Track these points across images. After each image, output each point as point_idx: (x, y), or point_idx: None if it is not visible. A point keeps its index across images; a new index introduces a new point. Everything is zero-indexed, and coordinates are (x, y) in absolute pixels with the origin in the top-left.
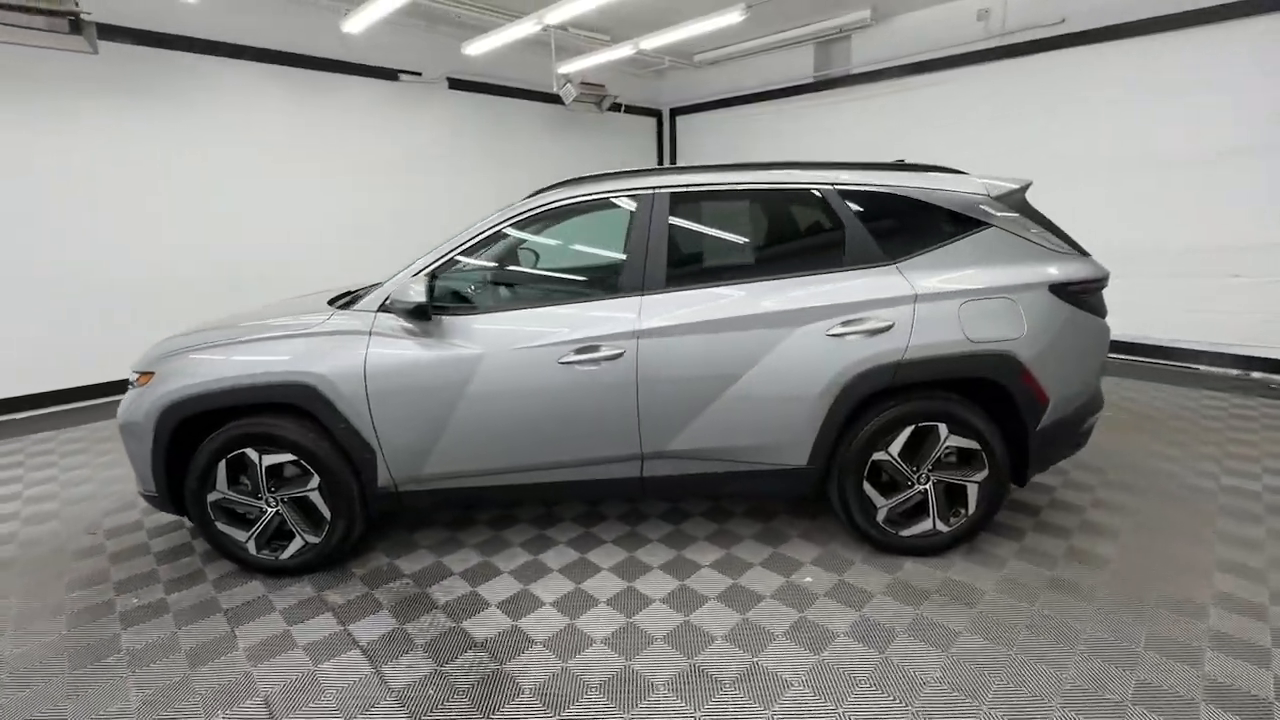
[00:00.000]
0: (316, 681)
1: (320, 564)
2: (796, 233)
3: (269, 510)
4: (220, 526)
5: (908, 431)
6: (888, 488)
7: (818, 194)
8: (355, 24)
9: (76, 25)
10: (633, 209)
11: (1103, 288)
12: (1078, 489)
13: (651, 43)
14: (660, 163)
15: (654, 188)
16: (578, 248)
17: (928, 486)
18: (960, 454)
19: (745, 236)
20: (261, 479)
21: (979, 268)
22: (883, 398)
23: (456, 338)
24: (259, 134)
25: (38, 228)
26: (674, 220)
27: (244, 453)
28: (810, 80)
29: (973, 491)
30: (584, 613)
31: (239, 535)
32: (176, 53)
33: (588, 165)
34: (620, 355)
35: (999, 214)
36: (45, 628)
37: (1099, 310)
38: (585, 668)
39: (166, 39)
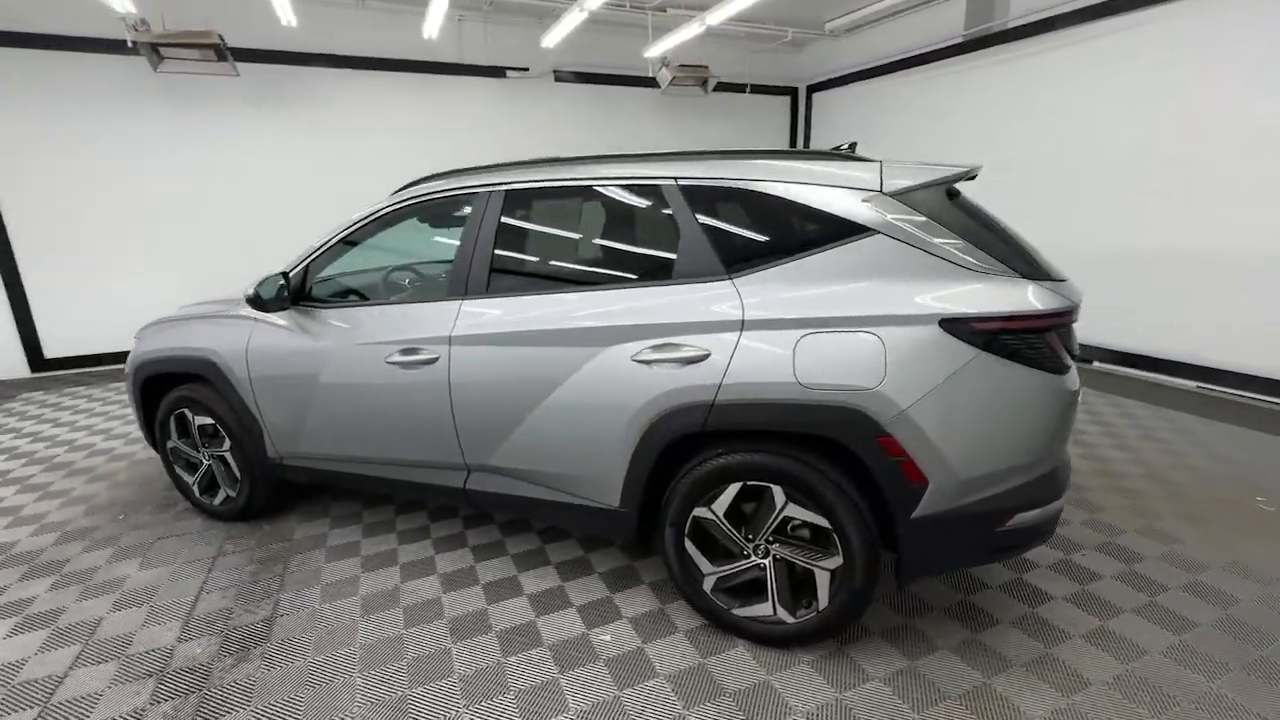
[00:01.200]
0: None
1: (240, 515)
2: (632, 237)
3: (205, 463)
4: (177, 469)
5: (733, 489)
6: (719, 552)
7: (658, 191)
8: (430, 26)
9: (221, 53)
10: (469, 208)
11: (1058, 326)
12: (1082, 583)
13: (716, 16)
14: (793, 145)
15: (492, 185)
16: (432, 245)
17: (765, 562)
18: (813, 530)
19: (577, 240)
20: (195, 435)
21: (840, 287)
22: (706, 442)
23: (315, 330)
24: (385, 135)
25: (249, 214)
26: (506, 220)
27: (183, 412)
28: (960, 39)
29: (822, 580)
30: (344, 601)
31: (188, 478)
32: (314, 69)
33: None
34: (435, 360)
35: (889, 216)
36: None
37: (1049, 360)
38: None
39: (304, 57)
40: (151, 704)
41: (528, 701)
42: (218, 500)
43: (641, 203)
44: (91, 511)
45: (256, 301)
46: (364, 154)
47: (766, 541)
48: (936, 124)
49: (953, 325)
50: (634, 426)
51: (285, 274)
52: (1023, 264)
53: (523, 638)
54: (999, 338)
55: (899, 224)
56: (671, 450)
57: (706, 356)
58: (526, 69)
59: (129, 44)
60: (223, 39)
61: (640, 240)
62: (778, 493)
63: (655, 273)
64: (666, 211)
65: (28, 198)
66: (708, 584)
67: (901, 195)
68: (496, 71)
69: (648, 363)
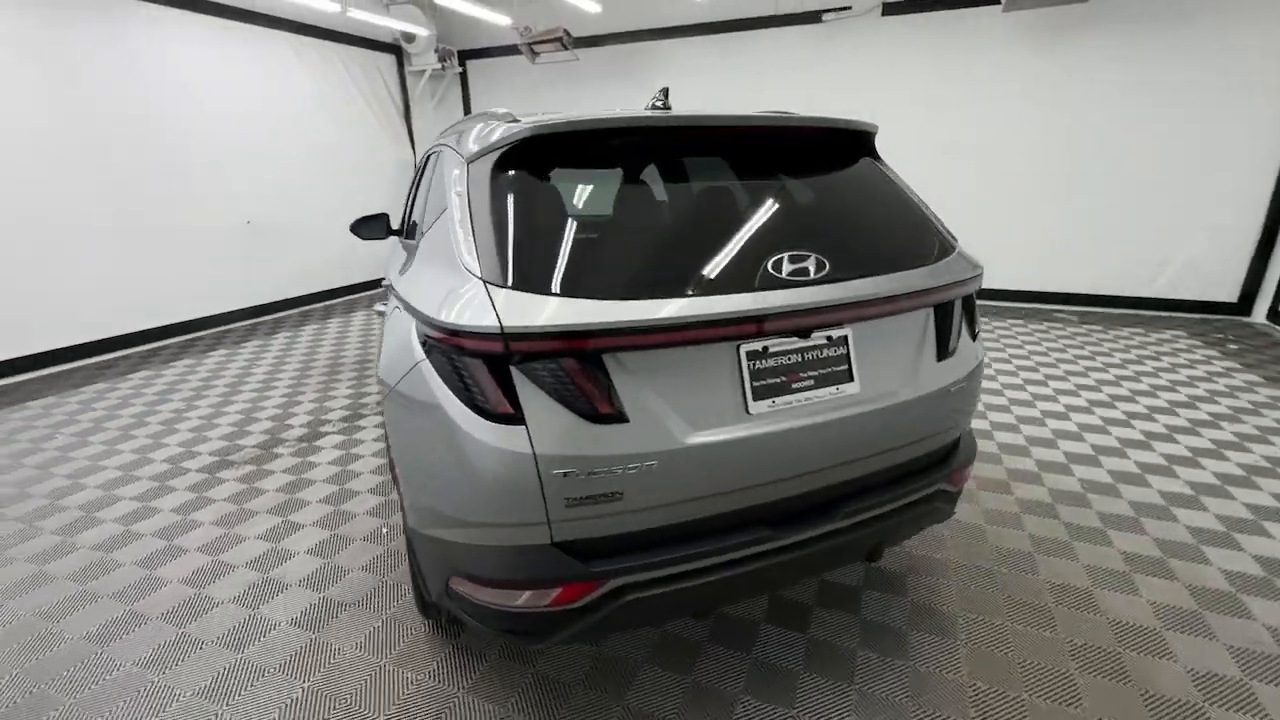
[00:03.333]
0: None
1: None
2: None
3: None
4: None
5: None
6: None
7: None
8: None
9: (564, 44)
10: None
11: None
12: None
13: None
14: None
15: None
16: None
17: None
18: None
19: None
20: None
21: (426, 269)
22: None
23: None
24: (702, 97)
25: None
26: None
27: None
28: None
29: None
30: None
31: None
32: (639, 44)
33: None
34: None
35: (454, 191)
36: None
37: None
38: None
39: (630, 34)
40: None
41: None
42: None
43: None
44: None
45: None
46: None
47: None
48: None
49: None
50: None
51: None
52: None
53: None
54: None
55: (453, 200)
56: None
57: None
58: (848, 7)
59: (519, 46)
60: (567, 32)
61: None
62: None
63: None
64: None
65: None
66: None
67: (472, 163)
68: (811, 17)
69: None
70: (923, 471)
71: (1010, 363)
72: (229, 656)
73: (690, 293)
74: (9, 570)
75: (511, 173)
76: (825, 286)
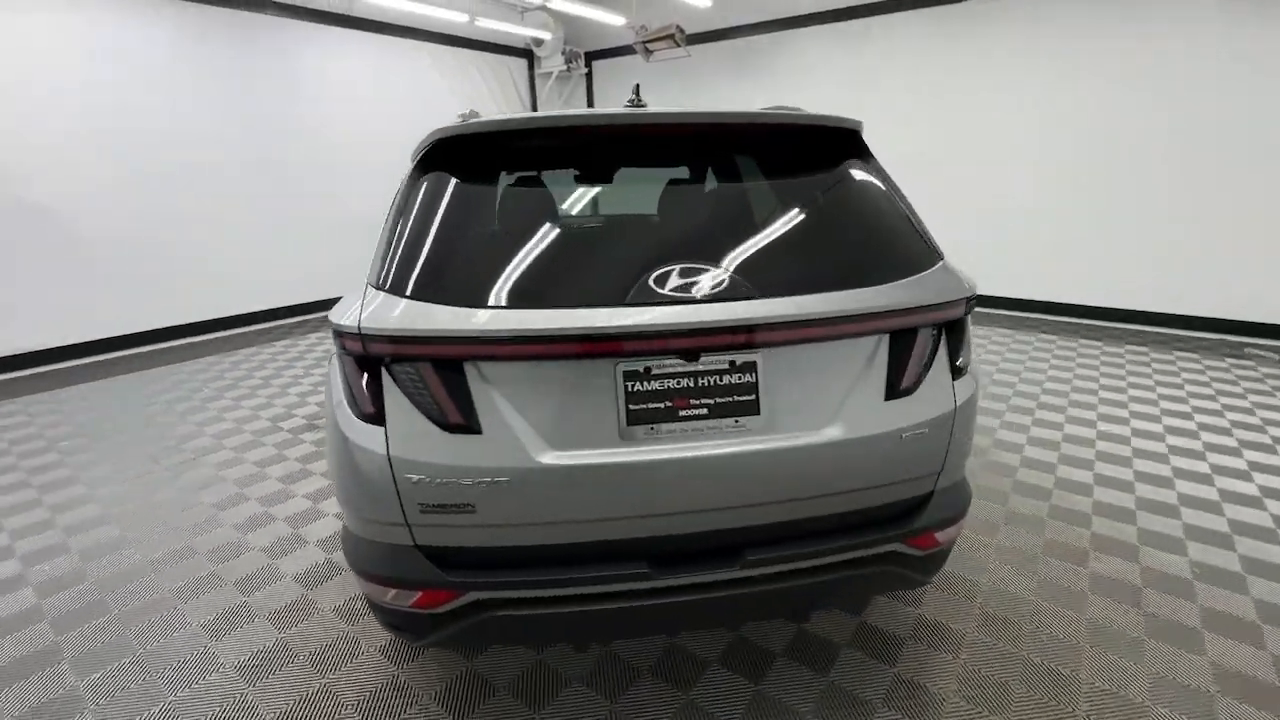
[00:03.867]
0: None
1: None
2: None
3: None
4: None
5: None
6: None
7: None
8: None
9: (677, 40)
10: None
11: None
12: None
13: None
14: None
15: None
16: None
17: None
18: None
19: None
20: None
21: None
22: None
23: None
24: (820, 88)
25: None
26: None
27: None
28: None
29: None
30: None
31: None
32: (753, 37)
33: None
34: None
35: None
36: None
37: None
38: None
39: (745, 28)
40: None
41: None
42: None
43: None
44: None
45: None
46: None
47: None
48: None
49: None
50: None
51: None
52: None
53: None
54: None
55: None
56: None
57: None
58: None
59: (633, 46)
60: (680, 29)
61: None
62: None
63: None
64: None
65: None
66: None
67: (411, 168)
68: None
69: None
70: (866, 527)
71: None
72: (237, 599)
73: (559, 304)
74: (131, 488)
75: (423, 177)
76: (719, 305)
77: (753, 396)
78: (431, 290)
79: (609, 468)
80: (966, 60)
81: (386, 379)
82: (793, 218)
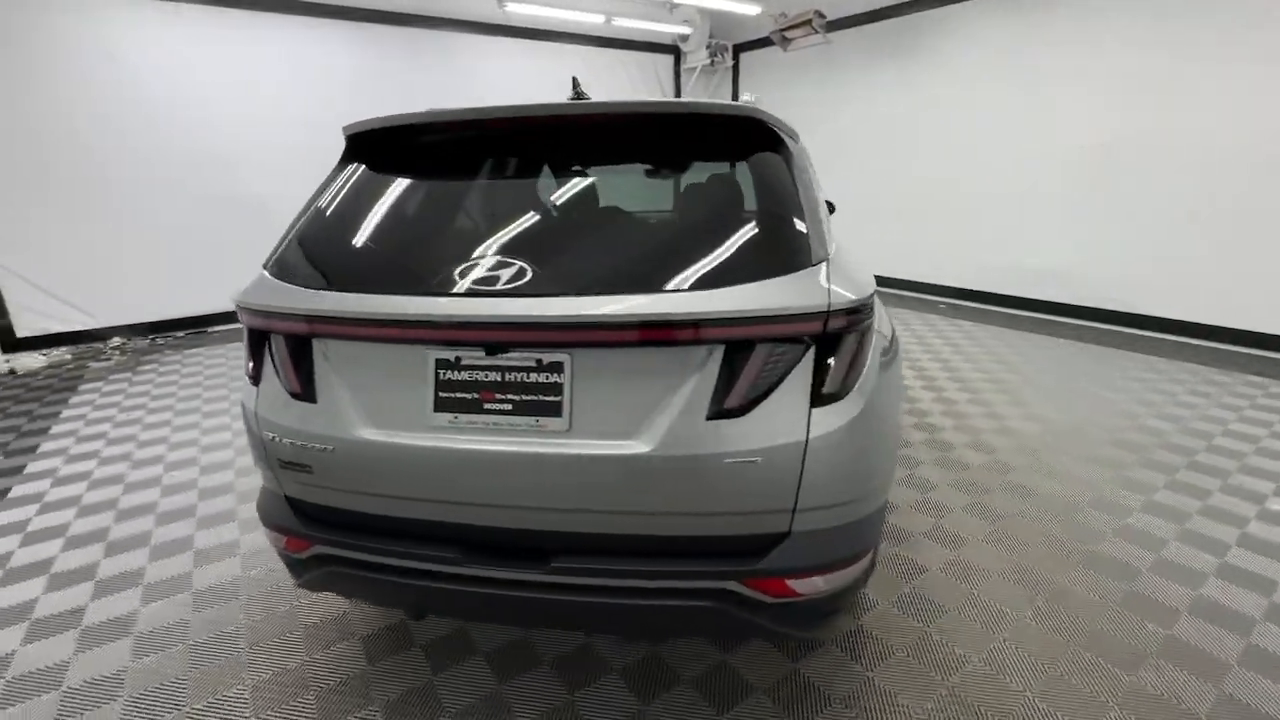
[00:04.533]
0: None
1: None
2: None
3: None
4: None
5: None
6: None
7: None
8: None
9: (815, 27)
10: None
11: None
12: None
13: None
14: None
15: None
16: None
17: None
18: None
19: None
20: None
21: None
22: None
23: None
24: (970, 70)
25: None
26: None
27: None
28: None
29: None
30: None
31: None
32: (899, 19)
33: None
34: None
35: None
36: None
37: None
38: None
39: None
40: None
41: None
42: None
43: None
44: None
45: None
46: (954, 93)
47: None
48: None
49: None
50: None
51: None
52: None
53: None
54: None
55: None
56: None
57: None
58: None
59: (770, 36)
60: (819, 14)
61: None
62: None
63: None
64: None
65: None
66: None
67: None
68: None
69: None
70: (692, 556)
71: None
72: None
73: (383, 290)
74: None
75: (338, 169)
76: (521, 300)
77: (557, 398)
78: (290, 271)
79: (414, 450)
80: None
81: (261, 347)
82: (649, 214)
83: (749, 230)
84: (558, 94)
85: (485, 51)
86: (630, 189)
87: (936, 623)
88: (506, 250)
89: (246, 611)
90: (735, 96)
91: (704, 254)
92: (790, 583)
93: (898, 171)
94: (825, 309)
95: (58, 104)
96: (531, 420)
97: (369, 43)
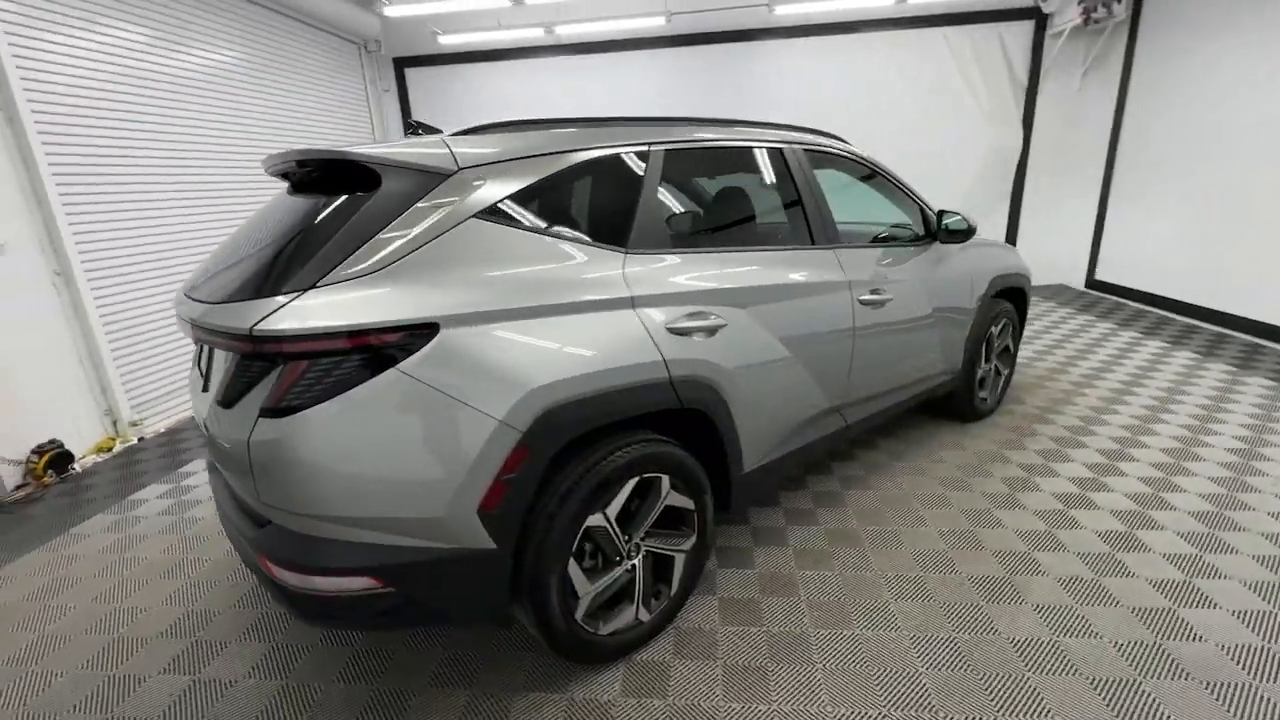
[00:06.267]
0: None
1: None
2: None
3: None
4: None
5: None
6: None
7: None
8: None
9: None
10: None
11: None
12: None
13: None
14: None
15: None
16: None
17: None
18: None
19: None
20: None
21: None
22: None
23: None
24: None
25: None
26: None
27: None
28: None
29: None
30: None
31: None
32: None
33: None
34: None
35: None
36: None
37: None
38: None
39: None
40: None
41: None
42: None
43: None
44: None
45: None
46: None
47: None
48: None
49: None
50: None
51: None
52: None
53: None
54: None
55: None
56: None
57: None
58: None
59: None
60: None
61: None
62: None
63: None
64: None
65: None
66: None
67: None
68: None
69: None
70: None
71: None
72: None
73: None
74: None
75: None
76: (192, 304)
77: (208, 374)
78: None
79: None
80: None
81: None
82: (286, 233)
83: (302, 245)
84: (849, 90)
85: (772, 54)
86: (298, 212)
87: None
88: (223, 261)
89: None
90: (1127, 70)
91: (270, 268)
92: (270, 563)
93: None
94: (248, 330)
95: None
96: (203, 388)
97: (670, 63)
